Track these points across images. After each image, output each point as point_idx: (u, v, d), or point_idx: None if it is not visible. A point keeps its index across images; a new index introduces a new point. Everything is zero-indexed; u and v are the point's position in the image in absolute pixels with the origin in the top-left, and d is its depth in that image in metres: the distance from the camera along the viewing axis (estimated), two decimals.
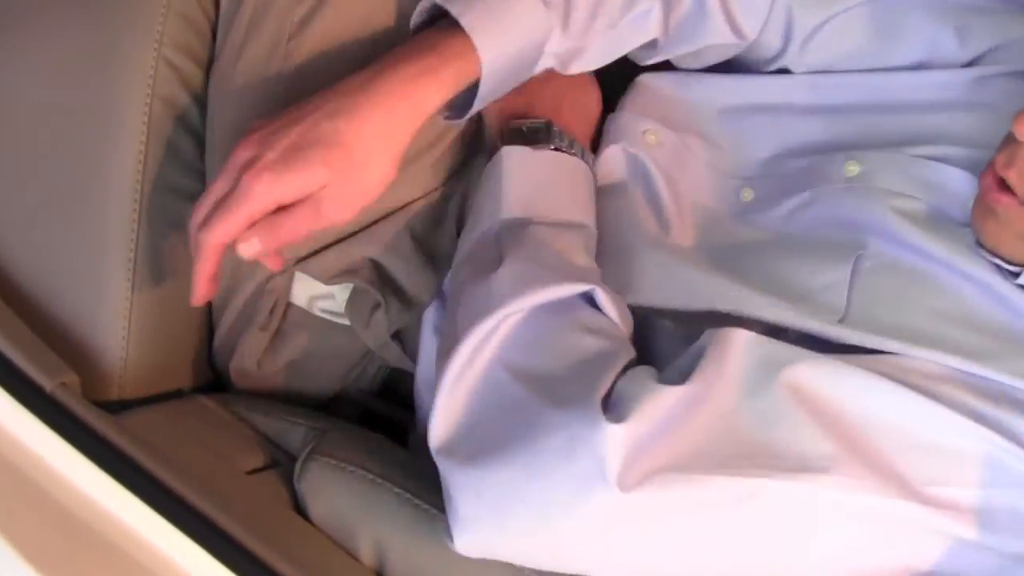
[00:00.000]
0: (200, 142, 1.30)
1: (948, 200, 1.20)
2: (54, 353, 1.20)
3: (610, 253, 1.24)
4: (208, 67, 1.31)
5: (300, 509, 1.20)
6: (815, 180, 1.27)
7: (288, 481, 1.22)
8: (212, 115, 1.30)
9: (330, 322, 1.29)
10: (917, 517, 1.05)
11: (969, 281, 1.15)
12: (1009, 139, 1.09)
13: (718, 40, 1.35)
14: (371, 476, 1.18)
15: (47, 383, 1.15)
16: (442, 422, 1.10)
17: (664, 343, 1.21)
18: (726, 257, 1.24)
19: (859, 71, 1.34)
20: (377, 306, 1.30)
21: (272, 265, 1.18)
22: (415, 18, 1.20)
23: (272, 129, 1.10)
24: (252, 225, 1.10)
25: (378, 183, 1.12)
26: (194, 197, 1.24)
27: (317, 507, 1.18)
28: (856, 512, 1.05)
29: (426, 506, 1.15)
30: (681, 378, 1.07)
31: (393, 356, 1.33)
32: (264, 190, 1.07)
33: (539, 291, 1.11)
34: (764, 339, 1.11)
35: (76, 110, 1.27)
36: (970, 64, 1.29)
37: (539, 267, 1.14)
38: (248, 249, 1.09)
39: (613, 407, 1.05)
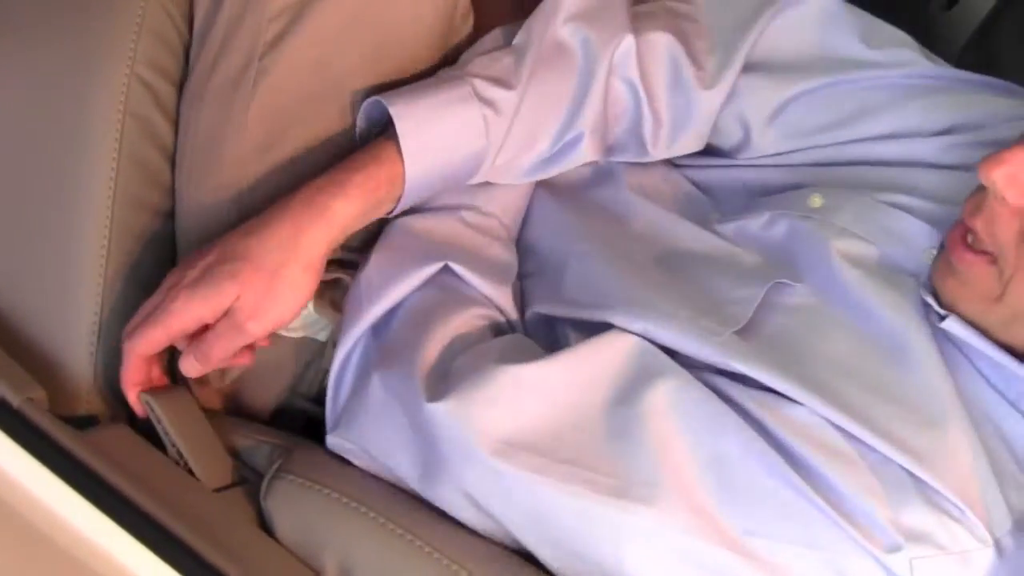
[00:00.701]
0: (172, 159, 1.31)
1: (902, 249, 1.24)
2: (21, 368, 1.20)
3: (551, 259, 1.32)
4: (181, 85, 1.32)
5: (266, 527, 1.19)
6: (778, 204, 1.30)
7: (255, 499, 1.21)
8: (183, 132, 1.30)
9: (276, 336, 1.29)
10: (725, 562, 1.08)
11: (882, 334, 1.19)
12: (977, 189, 1.12)
13: (660, 156, 1.40)
14: (337, 495, 1.17)
15: (14, 398, 1.15)
16: (333, 397, 1.22)
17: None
18: (672, 266, 1.27)
19: (829, 144, 1.37)
20: (339, 286, 1.32)
21: (243, 361, 1.23)
22: (360, 119, 1.27)
23: (203, 251, 1.17)
24: (187, 340, 1.18)
25: (291, 293, 1.17)
26: (165, 214, 1.30)
27: (283, 525, 1.18)
28: (665, 546, 1.09)
29: (393, 526, 1.15)
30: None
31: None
32: (180, 307, 1.14)
33: (399, 283, 1.21)
34: (647, 349, 1.16)
35: (48, 127, 1.27)
36: (938, 134, 1.33)
37: (399, 254, 1.25)
38: (190, 369, 1.18)
39: (445, 383, 1.13)
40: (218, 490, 1.21)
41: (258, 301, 1.15)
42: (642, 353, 1.16)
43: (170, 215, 1.32)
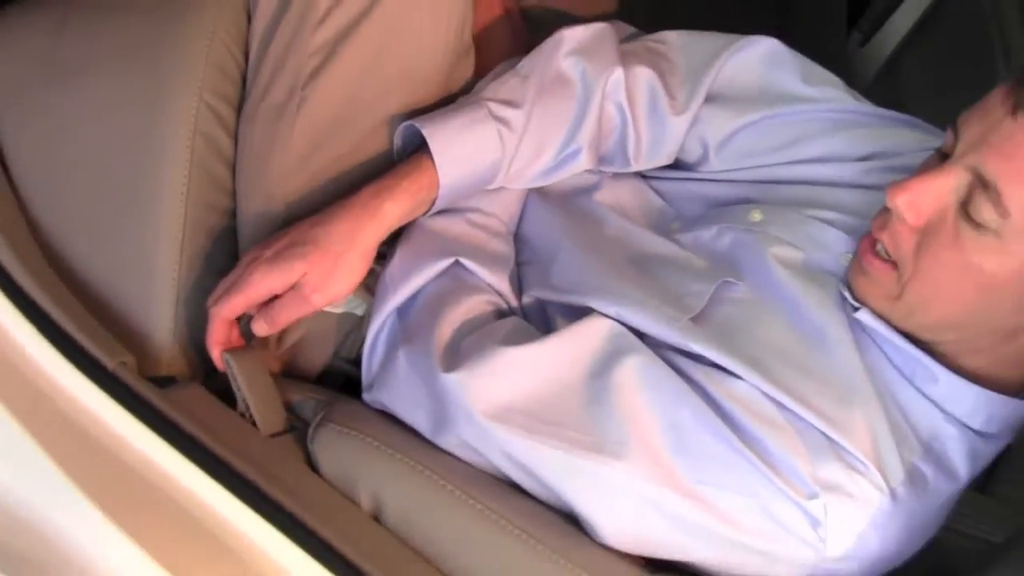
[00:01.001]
0: (232, 168, 1.40)
1: (825, 254, 1.31)
2: (114, 338, 1.29)
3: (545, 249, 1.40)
4: (239, 108, 1.40)
5: (312, 466, 1.28)
6: (726, 218, 1.39)
7: (303, 443, 1.30)
8: (241, 147, 1.40)
9: (323, 312, 1.37)
10: (682, 509, 1.18)
11: (807, 324, 1.26)
12: (884, 208, 1.19)
13: (639, 168, 1.49)
14: (369, 440, 1.26)
15: (109, 362, 1.25)
16: (367, 362, 1.33)
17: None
18: (634, 260, 1.37)
19: (770, 165, 1.45)
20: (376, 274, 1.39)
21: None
22: (396, 139, 1.37)
23: (277, 236, 1.28)
24: (258, 308, 1.29)
25: (351, 275, 1.28)
26: (228, 212, 1.39)
27: (326, 464, 1.27)
28: (632, 492, 1.18)
29: (412, 463, 1.24)
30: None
31: None
32: (259, 279, 1.25)
33: (417, 275, 1.31)
34: (621, 332, 1.25)
35: (135, 142, 1.35)
36: (860, 160, 1.41)
37: (418, 251, 1.34)
38: (260, 329, 1.29)
39: (456, 358, 1.24)
40: (273, 436, 1.31)
41: (321, 279, 1.26)
42: (615, 335, 1.25)
43: (232, 213, 1.41)
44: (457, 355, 1.25)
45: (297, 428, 1.33)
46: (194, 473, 1.22)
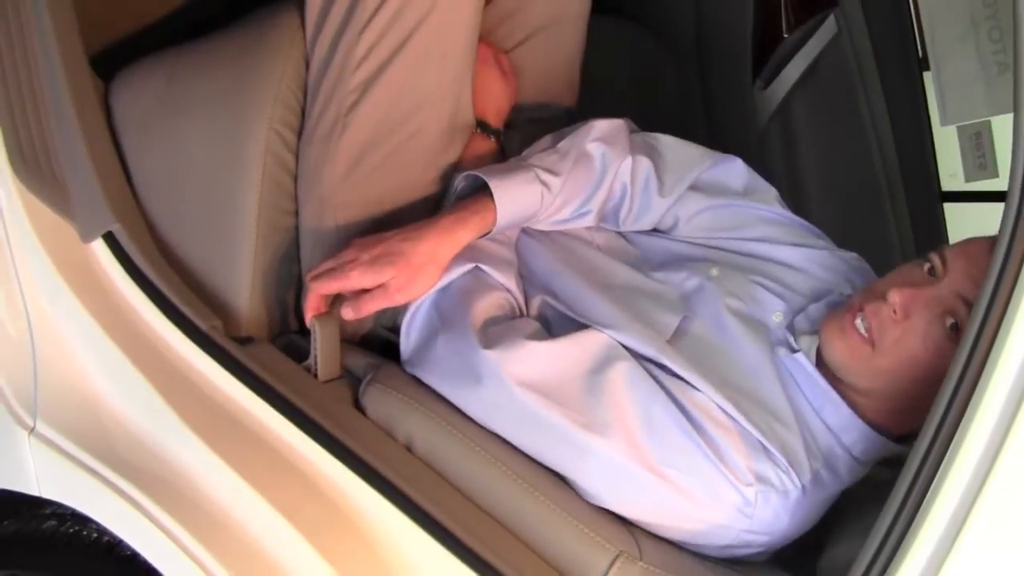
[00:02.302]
0: (295, 179, 1.43)
1: (761, 310, 1.37)
2: (207, 307, 1.34)
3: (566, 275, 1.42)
4: (299, 133, 1.43)
5: (360, 409, 1.32)
6: (692, 268, 1.43)
7: (349, 388, 1.34)
8: (300, 163, 1.42)
9: None
10: (648, 481, 1.23)
11: (747, 358, 1.32)
12: (872, 295, 1.25)
13: (626, 229, 1.52)
14: (406, 399, 1.30)
15: (203, 325, 1.31)
16: (405, 340, 1.35)
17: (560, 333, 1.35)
18: (619, 290, 1.39)
19: (725, 238, 1.49)
20: None
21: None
22: (459, 183, 1.39)
23: (372, 241, 1.30)
24: (345, 296, 1.30)
25: (428, 281, 1.31)
26: (291, 214, 1.42)
27: (372, 412, 1.31)
28: (613, 464, 1.23)
29: (439, 418, 1.28)
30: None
31: None
32: (357, 276, 1.28)
33: (446, 275, 1.33)
34: (615, 344, 1.29)
35: (224, 162, 1.39)
36: (790, 245, 1.47)
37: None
38: (347, 314, 1.30)
39: (487, 340, 1.27)
40: (326, 382, 1.34)
41: (406, 282, 1.28)
42: (610, 345, 1.28)
43: (295, 214, 1.43)
44: (487, 338, 1.28)
45: (344, 377, 1.37)
46: (267, 410, 1.28)
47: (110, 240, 1.34)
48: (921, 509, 1.00)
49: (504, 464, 1.26)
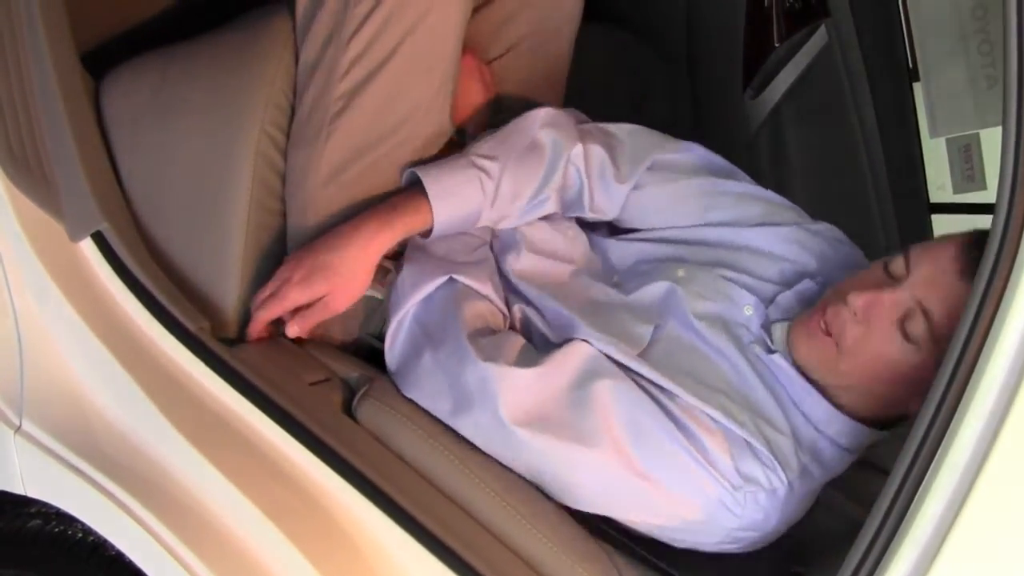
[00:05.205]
0: (282, 180, 1.42)
1: (735, 311, 1.36)
2: (195, 308, 1.33)
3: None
4: (288, 135, 1.41)
5: (349, 413, 1.32)
6: (658, 273, 1.42)
7: (337, 391, 1.34)
8: (289, 164, 1.41)
9: None
10: (638, 487, 1.25)
11: (723, 358, 1.32)
12: (836, 298, 1.26)
13: (591, 217, 1.51)
14: (399, 415, 1.30)
15: (190, 325, 1.31)
16: (390, 353, 1.36)
17: (539, 341, 1.38)
18: (593, 306, 1.40)
19: (690, 227, 1.48)
20: (387, 272, 1.43)
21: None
22: (403, 181, 1.40)
23: (302, 255, 1.34)
24: (292, 313, 1.34)
25: (361, 285, 1.35)
26: (280, 214, 1.41)
27: (365, 424, 1.31)
28: (601, 469, 1.25)
29: (428, 435, 1.28)
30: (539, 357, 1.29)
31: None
32: (292, 298, 1.32)
33: (420, 290, 1.35)
34: (598, 355, 1.30)
35: (214, 162, 1.38)
36: (753, 226, 1.46)
37: (419, 268, 1.38)
38: (292, 332, 1.34)
39: (479, 350, 1.27)
40: (312, 384, 1.33)
41: (340, 292, 1.33)
42: (591, 357, 1.29)
43: (284, 214, 1.42)
44: (480, 349, 1.29)
45: (331, 380, 1.36)
46: (254, 412, 1.28)
47: (98, 239, 1.33)
48: (907, 516, 1.01)
49: (493, 490, 1.27)
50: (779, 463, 1.26)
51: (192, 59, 1.44)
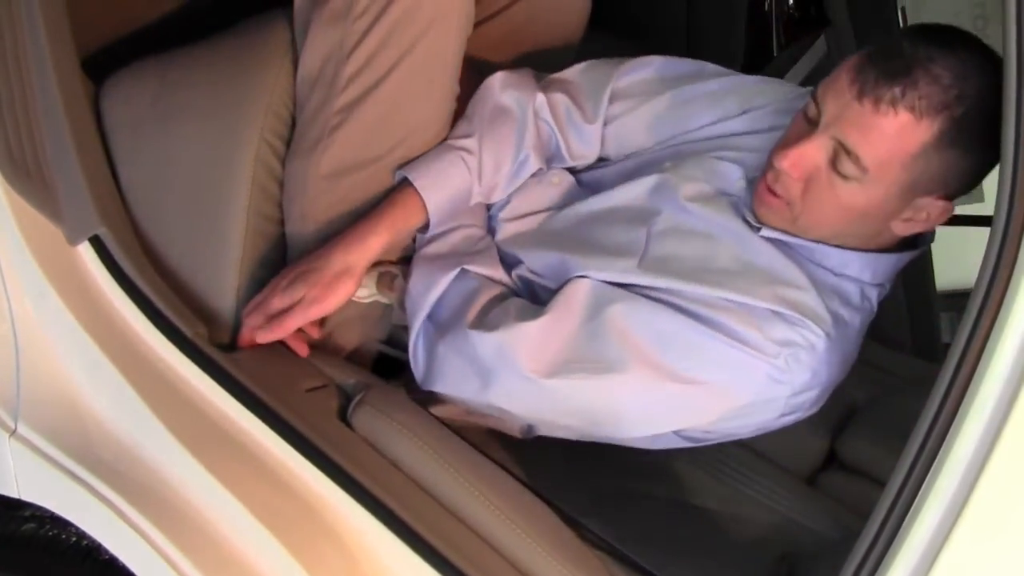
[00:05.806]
0: (281, 187, 1.41)
1: (727, 183, 1.37)
2: (192, 313, 1.33)
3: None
4: (288, 143, 1.42)
5: (344, 419, 1.32)
6: (644, 170, 1.44)
7: (333, 398, 1.34)
8: (287, 172, 1.41)
9: (352, 301, 1.41)
10: (683, 392, 1.27)
11: (726, 232, 1.33)
12: (771, 164, 1.26)
13: (578, 163, 1.52)
14: (395, 423, 1.30)
15: (187, 331, 1.31)
16: (415, 364, 1.37)
17: (545, 296, 1.38)
18: (582, 233, 1.40)
19: (676, 136, 1.47)
20: (395, 277, 1.43)
21: (313, 334, 1.39)
22: (396, 181, 1.40)
23: (292, 267, 1.35)
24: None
25: (344, 291, 1.34)
26: (278, 221, 1.42)
27: (360, 431, 1.31)
28: (641, 390, 1.27)
29: (425, 444, 1.29)
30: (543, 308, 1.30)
31: (399, 312, 1.46)
32: (275, 303, 1.33)
33: (435, 288, 1.35)
34: (599, 284, 1.31)
35: (214, 170, 1.39)
36: (739, 115, 1.45)
37: (429, 270, 1.38)
38: (265, 337, 1.33)
39: (485, 326, 1.30)
40: (309, 390, 1.34)
41: (319, 296, 1.32)
42: (593, 289, 1.30)
43: (281, 222, 1.42)
44: (484, 327, 1.31)
45: (328, 386, 1.36)
46: (250, 418, 1.28)
47: (96, 244, 1.33)
48: (904, 523, 1.01)
49: (488, 498, 1.27)
50: (808, 319, 1.26)
51: (192, 65, 1.44)
